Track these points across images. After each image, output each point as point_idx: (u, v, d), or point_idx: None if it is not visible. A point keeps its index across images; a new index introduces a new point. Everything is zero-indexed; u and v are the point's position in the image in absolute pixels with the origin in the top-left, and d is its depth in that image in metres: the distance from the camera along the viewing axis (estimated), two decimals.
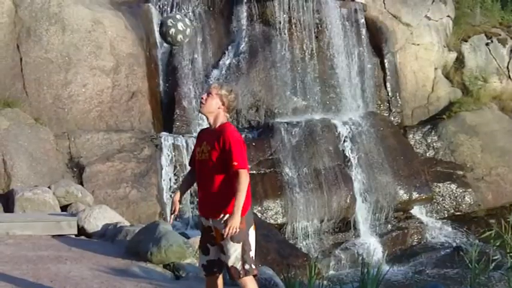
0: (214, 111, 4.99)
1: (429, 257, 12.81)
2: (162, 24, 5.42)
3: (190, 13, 13.79)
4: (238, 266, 4.85)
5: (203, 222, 5.07)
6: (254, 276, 4.94)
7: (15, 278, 6.30)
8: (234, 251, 4.84)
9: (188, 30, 5.29)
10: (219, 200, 4.88)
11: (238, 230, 4.74)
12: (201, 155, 5.02)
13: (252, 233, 4.94)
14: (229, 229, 4.71)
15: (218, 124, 5.01)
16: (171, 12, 13.76)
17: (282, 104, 13.54)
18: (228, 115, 5.05)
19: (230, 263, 4.86)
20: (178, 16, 5.40)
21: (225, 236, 4.74)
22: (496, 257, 7.28)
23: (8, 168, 10.65)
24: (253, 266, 4.90)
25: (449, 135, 15.07)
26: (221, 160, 4.87)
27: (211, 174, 4.92)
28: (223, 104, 5.00)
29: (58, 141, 11.68)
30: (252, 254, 4.91)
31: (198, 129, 12.99)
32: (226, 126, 4.98)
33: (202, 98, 5.03)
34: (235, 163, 4.81)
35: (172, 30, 5.33)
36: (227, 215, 4.81)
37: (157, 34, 12.86)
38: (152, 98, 13.23)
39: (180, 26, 5.33)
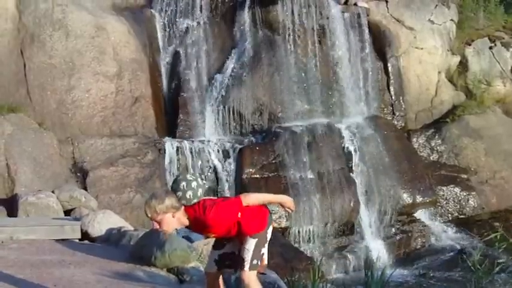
0: (176, 223, 4.83)
1: (433, 260, 12.80)
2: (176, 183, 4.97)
3: (194, 21, 13.83)
4: (248, 258, 4.88)
5: None
6: (262, 273, 4.99)
7: (19, 282, 6.30)
8: (249, 244, 4.91)
9: (200, 190, 4.99)
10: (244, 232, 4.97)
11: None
12: (214, 236, 5.06)
13: (269, 232, 5.06)
14: (288, 203, 5.24)
15: (186, 222, 4.85)
16: (174, 17, 13.83)
17: (286, 109, 13.55)
18: (181, 209, 4.76)
19: (243, 254, 4.92)
20: (189, 177, 5.06)
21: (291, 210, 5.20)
22: (500, 260, 7.26)
23: (12, 173, 10.67)
24: (260, 263, 4.94)
25: (453, 139, 15.06)
26: (226, 228, 4.90)
27: (227, 232, 4.95)
28: (172, 213, 4.74)
29: (62, 146, 11.71)
30: (264, 251, 4.98)
31: (203, 133, 13.17)
32: (197, 216, 4.78)
33: (157, 230, 5.04)
34: (239, 214, 4.86)
35: (189, 193, 4.97)
36: None
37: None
38: (155, 103, 13.25)
39: (193, 185, 4.88)
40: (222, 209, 4.77)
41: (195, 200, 4.78)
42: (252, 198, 4.96)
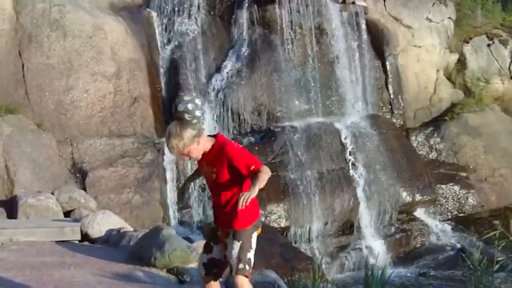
0: (201, 149, 4.82)
1: (433, 259, 12.82)
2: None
3: (192, 20, 13.81)
4: (233, 262, 4.86)
5: (213, 225, 5.10)
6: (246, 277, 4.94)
7: (19, 284, 6.30)
8: (234, 248, 4.85)
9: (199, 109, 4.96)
10: (235, 214, 4.88)
11: (249, 202, 4.64)
12: (210, 175, 4.98)
13: (254, 237, 4.93)
14: (243, 200, 4.63)
15: (209, 147, 4.87)
16: (172, 17, 13.81)
17: (284, 108, 13.54)
18: (203, 133, 4.82)
19: (229, 259, 4.88)
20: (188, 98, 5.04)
21: (239, 207, 4.62)
22: (500, 258, 7.26)
23: (11, 174, 10.66)
24: (247, 267, 4.84)
25: (451, 137, 15.06)
26: (231, 176, 4.84)
27: (225, 192, 4.90)
28: (198, 139, 4.76)
29: (61, 147, 11.70)
30: (250, 255, 4.87)
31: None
32: (219, 140, 4.85)
33: (186, 159, 4.93)
34: (253, 167, 4.78)
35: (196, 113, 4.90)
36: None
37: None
38: (154, 102, 13.23)
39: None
40: (242, 151, 4.81)
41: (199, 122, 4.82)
42: (264, 174, 4.78)
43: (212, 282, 5.10)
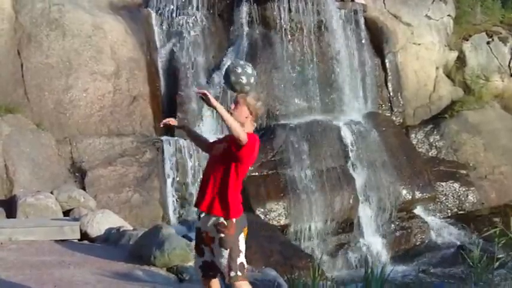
0: (243, 121, 4.90)
1: (433, 256, 12.82)
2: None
3: (191, 19, 13.81)
4: (225, 271, 4.84)
5: (196, 223, 5.09)
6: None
7: (18, 283, 6.30)
8: (222, 257, 4.84)
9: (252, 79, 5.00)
10: (217, 196, 4.88)
11: (206, 96, 4.69)
12: (214, 151, 5.01)
13: (242, 239, 4.92)
14: (200, 90, 4.75)
15: (251, 129, 4.97)
16: (171, 16, 13.81)
17: (284, 106, 13.54)
18: (255, 123, 5.00)
19: (220, 267, 4.88)
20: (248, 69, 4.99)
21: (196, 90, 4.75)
22: (500, 256, 7.26)
23: (10, 174, 10.66)
24: (239, 273, 4.84)
25: (451, 134, 15.06)
26: (228, 161, 4.87)
27: (216, 171, 4.91)
28: (251, 113, 4.93)
29: (60, 146, 11.69)
30: (241, 260, 4.86)
31: (199, 132, 13.14)
32: (248, 136, 4.85)
33: (230, 108, 4.91)
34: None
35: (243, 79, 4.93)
36: (220, 218, 4.83)
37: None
38: (153, 101, 13.23)
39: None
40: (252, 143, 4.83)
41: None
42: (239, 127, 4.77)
43: (213, 280, 5.10)
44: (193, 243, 7.75)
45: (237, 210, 4.90)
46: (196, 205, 5.04)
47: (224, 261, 4.83)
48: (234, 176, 4.87)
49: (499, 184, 14.81)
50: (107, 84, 12.77)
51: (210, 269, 5.01)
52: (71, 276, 6.67)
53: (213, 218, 4.87)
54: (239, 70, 4.88)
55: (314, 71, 13.91)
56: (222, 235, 4.83)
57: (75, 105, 12.43)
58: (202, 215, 4.98)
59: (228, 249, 4.82)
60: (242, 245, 4.89)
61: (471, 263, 7.18)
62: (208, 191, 4.91)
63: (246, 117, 4.92)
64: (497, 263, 7.06)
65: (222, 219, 4.86)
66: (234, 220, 4.87)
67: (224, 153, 4.89)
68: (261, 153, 12.43)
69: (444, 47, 16.29)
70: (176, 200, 11.95)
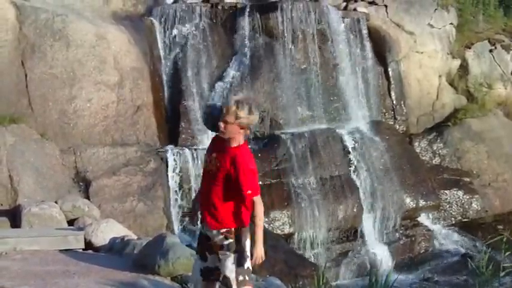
0: (235, 136, 4.94)
1: (437, 265, 12.80)
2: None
3: (194, 28, 13.84)
4: (232, 276, 4.86)
5: (201, 230, 5.10)
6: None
7: None
8: (230, 262, 4.87)
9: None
10: (220, 212, 4.90)
11: (263, 259, 4.86)
12: (210, 166, 5.01)
13: (249, 245, 4.97)
14: (255, 259, 4.82)
15: (234, 144, 4.96)
16: (174, 25, 13.83)
17: (287, 115, 13.55)
18: (248, 133, 5.01)
19: (225, 273, 4.88)
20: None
21: (252, 265, 4.84)
22: (507, 264, 7.24)
23: (15, 184, 10.66)
24: (247, 278, 4.90)
25: (455, 142, 15.06)
26: (228, 180, 4.89)
27: (215, 187, 4.93)
28: (242, 128, 4.93)
29: (64, 156, 11.70)
30: (247, 265, 4.92)
31: (205, 141, 13.16)
32: (241, 149, 4.91)
33: (220, 127, 4.88)
34: (249, 192, 4.83)
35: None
36: (229, 240, 4.91)
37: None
38: (157, 111, 13.25)
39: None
40: (252, 172, 4.87)
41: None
42: (261, 211, 4.89)
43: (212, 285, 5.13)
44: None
45: (246, 219, 4.93)
46: (202, 222, 5.07)
47: (232, 266, 4.85)
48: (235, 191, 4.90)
49: (503, 191, 14.80)
50: (110, 94, 12.79)
51: (211, 274, 5.05)
52: (75, 286, 6.68)
53: (223, 230, 4.92)
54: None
55: (317, 79, 13.93)
56: (231, 240, 4.91)
57: (79, 115, 12.45)
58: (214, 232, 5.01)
59: (236, 254, 4.87)
60: (249, 251, 4.95)
61: (477, 271, 7.17)
62: (212, 209, 4.93)
63: (239, 132, 4.93)
64: (504, 272, 7.04)
65: (232, 229, 4.93)
66: (242, 229, 4.93)
67: (222, 174, 4.90)
68: (265, 162, 12.45)
69: (447, 55, 16.31)
70: (180, 209, 11.95)
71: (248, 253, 4.93)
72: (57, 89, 12.38)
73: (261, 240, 4.84)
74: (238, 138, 4.95)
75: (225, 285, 4.91)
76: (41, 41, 12.48)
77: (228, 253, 4.86)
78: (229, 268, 4.87)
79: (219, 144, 5.03)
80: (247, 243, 4.95)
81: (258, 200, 4.87)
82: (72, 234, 8.87)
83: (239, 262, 4.87)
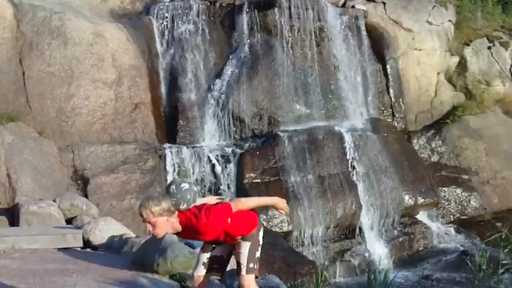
0: (170, 228, 4.80)
1: (436, 262, 12.80)
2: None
3: (192, 26, 13.83)
4: (244, 262, 4.92)
5: None
6: (256, 277, 5.02)
7: None
8: (244, 248, 4.97)
9: (190, 194, 4.84)
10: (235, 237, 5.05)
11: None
12: (218, 237, 5.00)
13: (261, 235, 5.08)
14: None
15: (178, 227, 4.82)
16: (172, 23, 13.83)
17: (285, 112, 13.54)
18: (175, 214, 4.75)
19: (239, 259, 4.99)
20: (180, 181, 5.01)
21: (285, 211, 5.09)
22: (505, 261, 7.23)
23: (13, 182, 10.66)
24: (256, 267, 5.00)
25: (453, 140, 15.06)
26: (227, 234, 4.94)
27: (231, 240, 5.04)
28: (166, 215, 4.71)
29: (62, 154, 11.70)
30: (258, 254, 5.03)
31: (201, 140, 13.18)
32: (192, 216, 4.75)
33: (150, 231, 4.77)
34: (229, 219, 4.83)
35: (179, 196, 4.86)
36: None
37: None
38: (155, 109, 13.25)
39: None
40: (212, 215, 4.72)
41: (185, 205, 4.77)
42: (242, 203, 4.94)
43: (204, 281, 5.15)
44: (196, 250, 7.77)
45: (253, 223, 5.05)
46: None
47: (244, 253, 4.96)
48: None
49: (501, 189, 14.80)
50: (108, 92, 12.78)
51: (215, 263, 5.12)
52: (73, 284, 6.66)
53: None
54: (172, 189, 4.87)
55: (315, 77, 13.92)
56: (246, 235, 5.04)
57: (77, 113, 12.45)
58: None
59: (250, 242, 4.98)
60: (261, 240, 5.08)
61: (475, 269, 7.16)
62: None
63: (167, 221, 4.73)
64: (503, 269, 7.03)
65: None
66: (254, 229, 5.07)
67: (223, 234, 4.96)
68: (263, 160, 12.45)
69: (445, 53, 16.30)
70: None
71: (260, 242, 5.06)
72: (55, 87, 12.38)
73: (265, 199, 5.20)
74: (173, 225, 4.78)
75: (236, 270, 5.06)
76: (38, 39, 12.47)
77: (243, 241, 4.98)
78: (243, 255, 4.96)
79: (189, 231, 4.88)
80: (260, 233, 5.07)
81: (233, 203, 4.88)
82: (70, 232, 8.87)
83: (251, 250, 4.98)
